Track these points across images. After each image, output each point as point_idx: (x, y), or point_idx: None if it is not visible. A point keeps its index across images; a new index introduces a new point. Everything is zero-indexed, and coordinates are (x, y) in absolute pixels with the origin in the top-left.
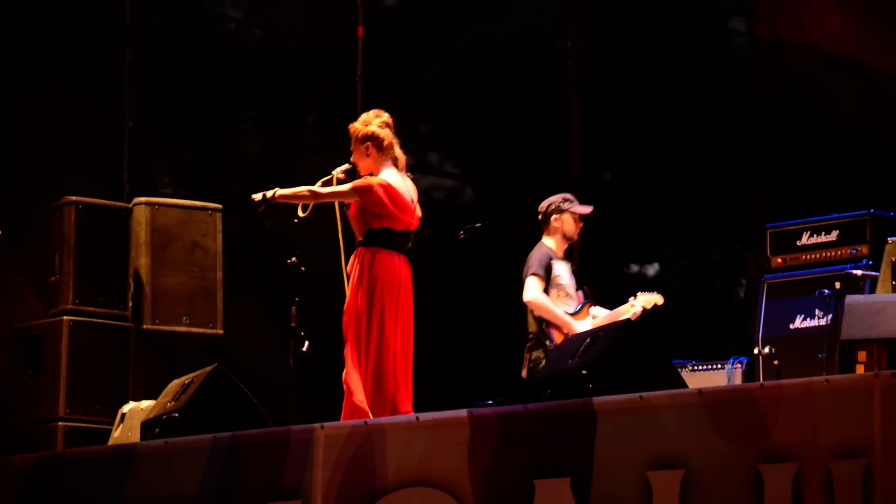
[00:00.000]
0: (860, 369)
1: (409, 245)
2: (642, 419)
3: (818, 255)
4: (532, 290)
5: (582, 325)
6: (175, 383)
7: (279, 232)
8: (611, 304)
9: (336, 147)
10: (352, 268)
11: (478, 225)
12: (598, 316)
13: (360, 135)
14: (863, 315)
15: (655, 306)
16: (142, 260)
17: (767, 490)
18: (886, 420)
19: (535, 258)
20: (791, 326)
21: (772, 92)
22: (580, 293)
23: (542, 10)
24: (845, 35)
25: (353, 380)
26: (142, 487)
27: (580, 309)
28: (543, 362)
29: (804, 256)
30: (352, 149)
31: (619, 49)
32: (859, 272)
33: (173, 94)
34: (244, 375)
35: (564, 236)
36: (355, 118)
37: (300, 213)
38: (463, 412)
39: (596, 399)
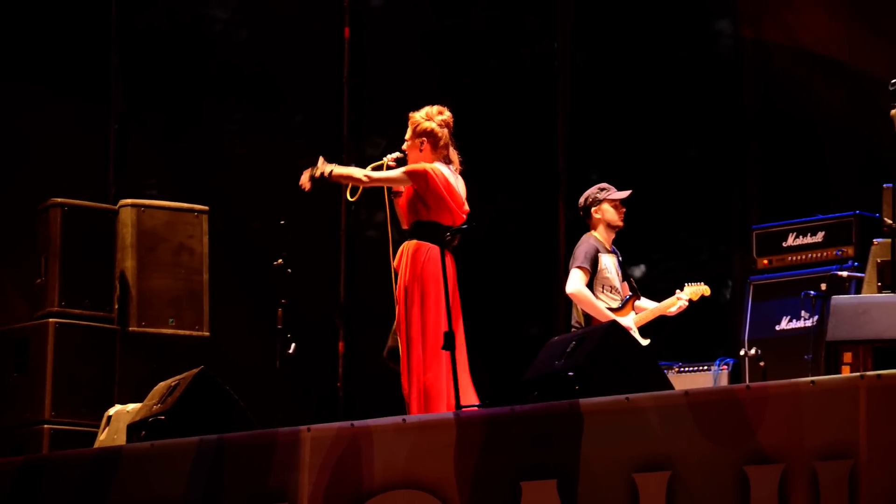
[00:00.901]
0: (846, 370)
1: (456, 242)
2: (629, 421)
3: (804, 257)
4: (575, 282)
5: (625, 322)
6: (161, 385)
7: (265, 233)
8: None
9: (323, 148)
10: (398, 261)
11: (464, 227)
12: (646, 308)
13: (418, 129)
14: (848, 316)
15: (703, 297)
16: (128, 262)
17: (753, 491)
18: (872, 421)
19: (581, 251)
20: (777, 328)
21: (758, 93)
22: (625, 284)
23: (529, 10)
24: (831, 37)
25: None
26: (128, 490)
27: (624, 304)
28: None
29: (790, 258)
30: (406, 138)
31: (606, 50)
32: (845, 273)
33: (159, 96)
34: (230, 378)
35: (609, 226)
36: (342, 120)
37: (349, 198)
38: (449, 414)
39: (582, 400)
